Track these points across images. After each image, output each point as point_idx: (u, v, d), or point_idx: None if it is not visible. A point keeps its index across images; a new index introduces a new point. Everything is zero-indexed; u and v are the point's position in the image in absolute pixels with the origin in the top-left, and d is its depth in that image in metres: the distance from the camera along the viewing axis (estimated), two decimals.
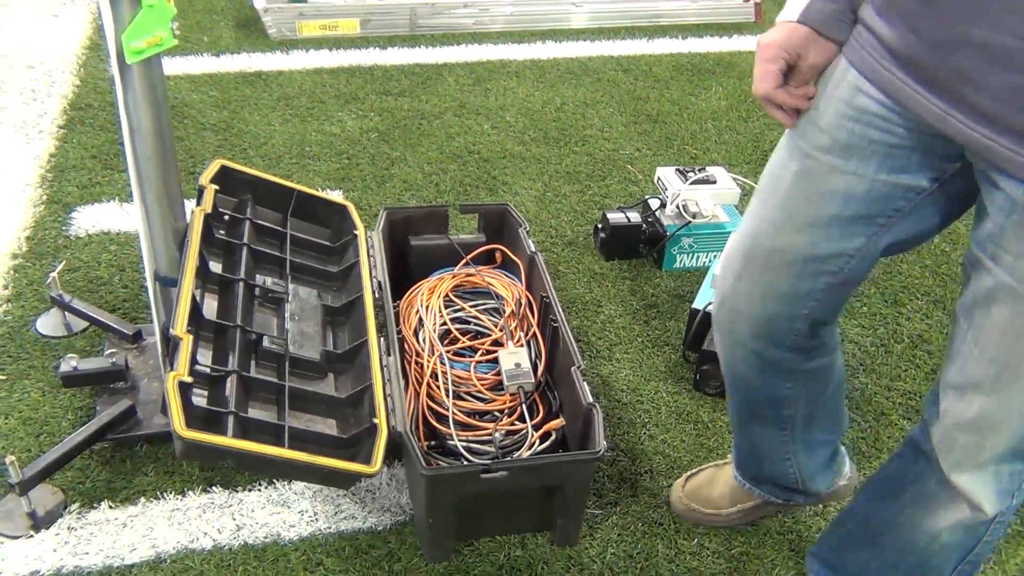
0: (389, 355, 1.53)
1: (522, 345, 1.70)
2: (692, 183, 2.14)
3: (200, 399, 1.36)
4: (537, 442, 1.55)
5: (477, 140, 2.60)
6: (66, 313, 1.83)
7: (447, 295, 1.80)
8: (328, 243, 1.82)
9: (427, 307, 1.76)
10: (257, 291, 1.62)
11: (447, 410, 1.56)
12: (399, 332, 1.67)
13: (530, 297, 1.80)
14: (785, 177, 1.09)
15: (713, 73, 3.09)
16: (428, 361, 1.64)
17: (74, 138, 2.46)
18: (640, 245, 2.18)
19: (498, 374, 1.64)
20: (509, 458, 1.51)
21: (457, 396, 1.61)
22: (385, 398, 1.45)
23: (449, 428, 1.54)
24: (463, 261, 1.89)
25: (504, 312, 1.77)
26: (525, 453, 1.53)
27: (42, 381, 1.72)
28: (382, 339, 1.56)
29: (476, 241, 1.93)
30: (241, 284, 1.57)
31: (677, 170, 2.18)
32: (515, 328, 1.74)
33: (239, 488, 1.56)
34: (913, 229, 1.06)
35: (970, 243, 0.97)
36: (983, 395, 0.98)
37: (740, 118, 2.82)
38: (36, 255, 2.04)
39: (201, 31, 3.11)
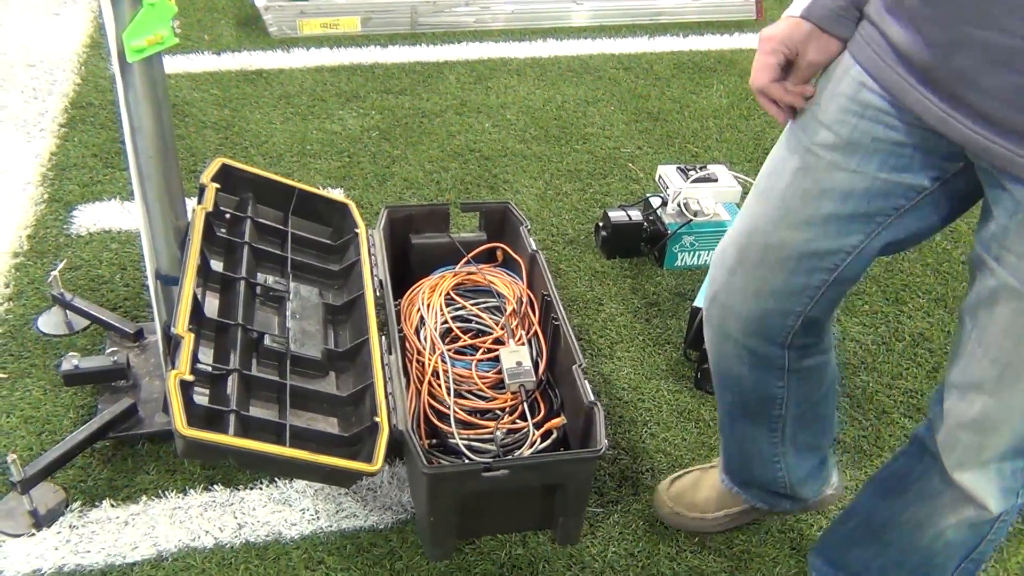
0: (390, 353, 1.53)
1: (523, 343, 1.70)
2: (693, 181, 2.13)
3: (201, 397, 1.37)
4: (538, 440, 1.55)
5: (478, 138, 2.60)
6: (67, 311, 1.83)
7: (448, 293, 1.80)
8: (329, 241, 1.82)
9: (428, 305, 1.76)
10: (258, 289, 1.62)
11: (448, 408, 1.56)
12: (400, 330, 1.67)
13: (531, 295, 1.80)
14: (784, 173, 1.08)
15: (714, 71, 3.09)
16: (429, 359, 1.64)
17: (75, 136, 2.46)
18: (641, 243, 2.18)
19: (499, 372, 1.64)
20: (510, 456, 1.51)
21: (458, 394, 1.61)
22: (386, 396, 1.45)
23: (450, 426, 1.54)
24: (464, 259, 1.89)
25: (505, 310, 1.77)
26: (526, 451, 1.53)
27: (43, 379, 1.72)
28: (383, 337, 1.56)
29: (477, 239, 1.93)
30: (242, 282, 1.57)
31: (678, 168, 2.18)
32: (516, 326, 1.74)
33: (240, 486, 1.56)
34: (912, 228, 1.05)
35: (974, 243, 0.97)
36: (985, 395, 0.98)
37: (741, 116, 2.82)
38: (37, 253, 2.04)
39: (202, 29, 3.11)
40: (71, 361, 1.60)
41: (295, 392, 1.47)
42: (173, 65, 2.84)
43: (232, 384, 1.40)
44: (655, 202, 2.19)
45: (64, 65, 2.82)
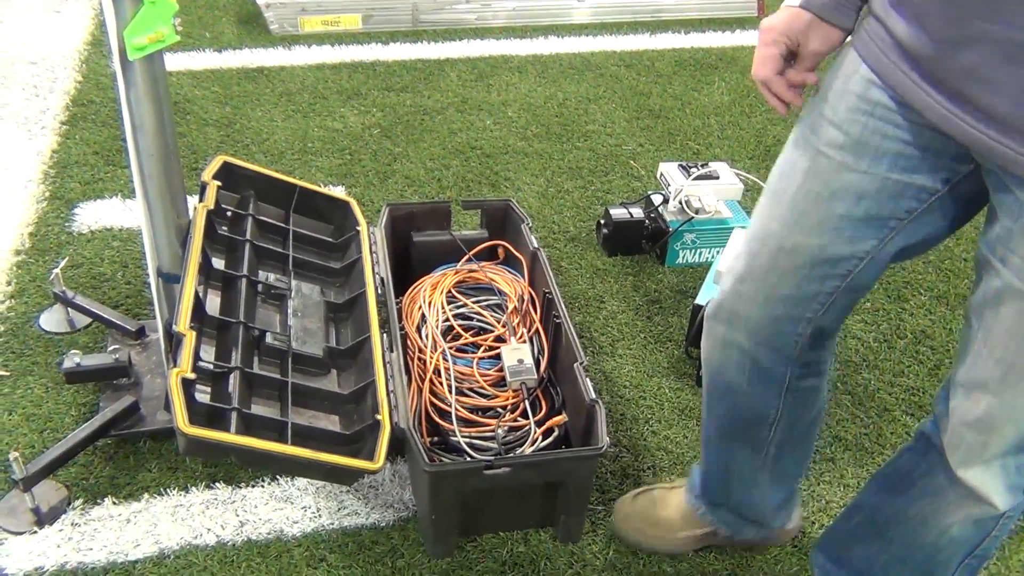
0: (392, 351, 1.53)
1: (525, 341, 1.70)
2: (695, 179, 2.13)
3: (203, 395, 1.37)
4: (540, 438, 1.55)
5: (479, 136, 2.60)
6: (69, 309, 1.84)
7: (450, 291, 1.80)
8: (331, 239, 1.82)
9: (430, 303, 1.76)
10: (260, 287, 1.62)
11: (450, 406, 1.56)
12: (402, 328, 1.67)
13: (533, 293, 1.80)
14: (795, 175, 1.06)
15: (716, 68, 3.09)
16: (431, 357, 1.64)
17: (76, 134, 2.46)
18: (643, 241, 2.18)
19: (501, 370, 1.64)
20: (512, 454, 1.51)
21: (460, 392, 1.61)
22: (388, 394, 1.45)
23: (452, 424, 1.54)
24: (466, 257, 1.89)
25: (507, 308, 1.77)
26: (528, 449, 1.53)
27: (45, 377, 1.72)
28: (385, 335, 1.56)
29: (479, 237, 1.93)
30: (244, 280, 1.57)
31: (680, 165, 2.18)
32: (518, 324, 1.74)
33: (242, 484, 1.56)
34: (924, 232, 1.04)
35: (979, 244, 0.96)
36: (990, 395, 0.98)
37: (743, 113, 2.81)
38: (39, 251, 2.04)
39: (203, 27, 3.11)
40: (73, 359, 1.60)
41: (297, 390, 1.47)
42: (174, 62, 2.84)
43: (234, 382, 1.40)
44: (656, 199, 2.19)
45: (65, 63, 2.82)
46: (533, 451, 1.53)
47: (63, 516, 1.48)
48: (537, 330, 1.72)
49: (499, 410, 1.60)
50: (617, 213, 2.14)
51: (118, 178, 2.30)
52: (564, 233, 2.24)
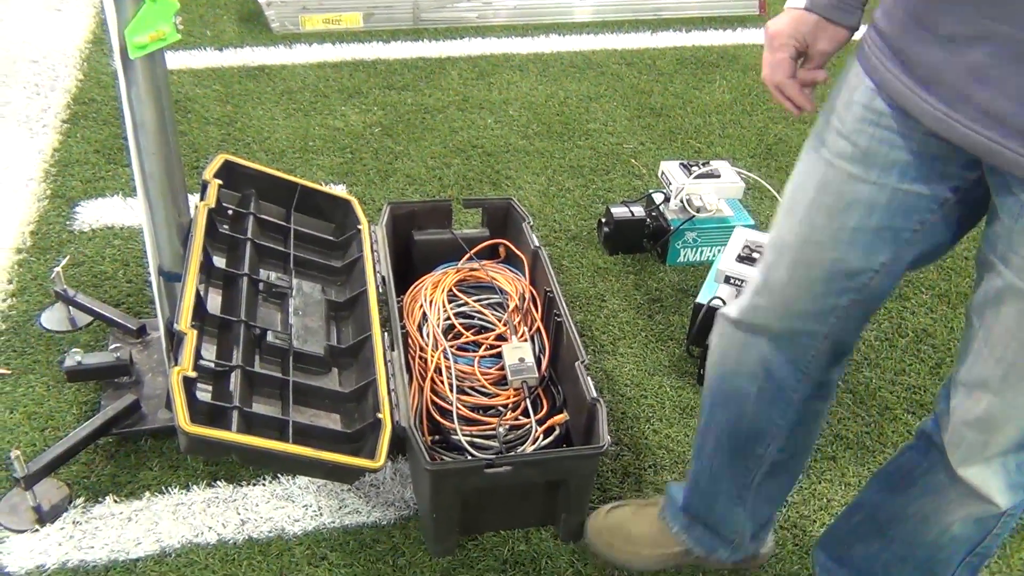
0: (393, 350, 1.53)
1: (526, 340, 1.70)
2: (696, 177, 2.13)
3: (204, 394, 1.37)
4: (541, 437, 1.55)
5: (480, 134, 2.60)
6: (70, 308, 1.84)
7: (451, 290, 1.80)
8: (332, 238, 1.82)
9: (431, 302, 1.76)
10: (261, 286, 1.62)
11: (451, 405, 1.56)
12: (403, 327, 1.67)
13: (534, 292, 1.80)
14: (807, 187, 1.06)
15: (717, 66, 3.08)
16: (432, 356, 1.64)
17: (77, 133, 2.46)
18: (644, 239, 2.18)
19: (502, 369, 1.64)
20: (513, 453, 1.51)
21: (461, 391, 1.61)
22: (389, 393, 1.45)
23: (453, 423, 1.54)
24: (467, 256, 1.89)
25: (508, 307, 1.77)
26: (529, 448, 1.53)
27: (47, 376, 1.72)
28: (386, 334, 1.56)
29: (480, 236, 1.93)
30: (245, 279, 1.57)
31: (681, 164, 2.17)
32: (519, 323, 1.74)
33: (243, 483, 1.56)
34: (937, 240, 1.03)
35: (981, 244, 0.96)
36: (991, 394, 0.98)
37: (744, 112, 2.81)
38: (40, 250, 2.04)
39: (204, 25, 3.11)
40: (74, 357, 1.61)
41: (298, 388, 1.47)
42: (175, 61, 2.84)
43: (235, 380, 1.40)
44: (658, 198, 2.18)
45: (66, 61, 2.82)
46: (534, 450, 1.53)
47: (64, 514, 1.48)
48: (538, 329, 1.72)
49: (500, 409, 1.60)
50: (618, 212, 2.14)
51: (119, 176, 2.30)
52: (565, 232, 2.24)
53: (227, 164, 1.70)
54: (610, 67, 3.04)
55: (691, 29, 3.34)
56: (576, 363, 1.52)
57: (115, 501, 1.51)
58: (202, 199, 1.61)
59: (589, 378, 1.49)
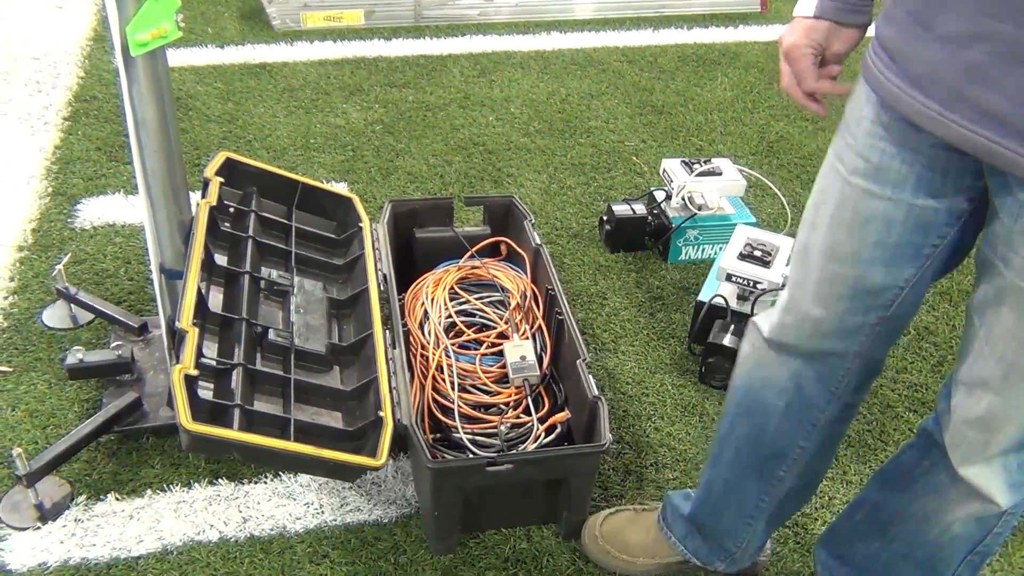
0: (394, 348, 1.53)
1: (527, 338, 1.70)
2: (697, 175, 2.13)
3: (206, 392, 1.37)
4: (542, 435, 1.55)
5: (482, 132, 2.59)
6: (72, 305, 1.84)
7: (452, 288, 1.80)
8: (333, 235, 1.82)
9: (432, 300, 1.76)
10: (262, 284, 1.62)
11: (452, 403, 1.56)
12: (404, 325, 1.67)
13: (535, 289, 1.79)
14: (827, 204, 1.05)
15: (719, 64, 3.08)
16: (433, 354, 1.64)
17: (79, 130, 2.46)
18: (645, 237, 2.18)
19: (503, 367, 1.64)
20: (514, 451, 1.51)
21: (462, 389, 1.61)
22: (390, 391, 1.45)
23: (454, 421, 1.54)
24: (468, 253, 1.88)
25: (509, 305, 1.77)
26: (530, 446, 1.53)
27: (48, 373, 1.72)
28: (387, 332, 1.56)
29: (481, 233, 1.93)
30: (246, 277, 1.57)
31: (682, 162, 2.17)
32: (520, 321, 1.74)
33: (245, 480, 1.56)
34: (958, 249, 1.03)
35: (981, 243, 0.96)
36: (991, 393, 0.98)
37: (746, 109, 2.81)
38: (42, 247, 2.04)
39: (206, 23, 3.10)
40: (76, 355, 1.61)
41: (299, 386, 1.47)
42: (177, 58, 2.83)
43: (236, 378, 1.40)
44: (659, 196, 2.18)
45: (68, 58, 2.82)
46: (535, 448, 1.53)
47: (66, 512, 1.48)
48: (539, 327, 1.72)
49: (501, 407, 1.60)
50: (620, 209, 2.14)
51: (120, 174, 2.30)
52: (567, 229, 2.24)
53: (228, 162, 1.70)
54: (611, 64, 3.03)
55: (693, 26, 3.34)
56: (577, 361, 1.52)
57: (117, 499, 1.51)
58: (203, 197, 1.61)
59: (590, 376, 1.49)
